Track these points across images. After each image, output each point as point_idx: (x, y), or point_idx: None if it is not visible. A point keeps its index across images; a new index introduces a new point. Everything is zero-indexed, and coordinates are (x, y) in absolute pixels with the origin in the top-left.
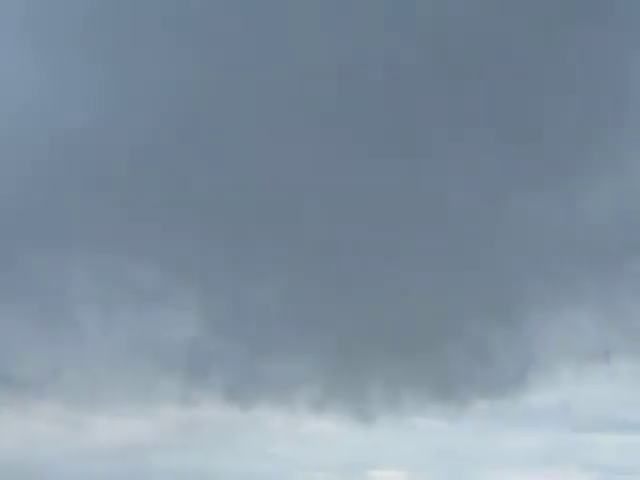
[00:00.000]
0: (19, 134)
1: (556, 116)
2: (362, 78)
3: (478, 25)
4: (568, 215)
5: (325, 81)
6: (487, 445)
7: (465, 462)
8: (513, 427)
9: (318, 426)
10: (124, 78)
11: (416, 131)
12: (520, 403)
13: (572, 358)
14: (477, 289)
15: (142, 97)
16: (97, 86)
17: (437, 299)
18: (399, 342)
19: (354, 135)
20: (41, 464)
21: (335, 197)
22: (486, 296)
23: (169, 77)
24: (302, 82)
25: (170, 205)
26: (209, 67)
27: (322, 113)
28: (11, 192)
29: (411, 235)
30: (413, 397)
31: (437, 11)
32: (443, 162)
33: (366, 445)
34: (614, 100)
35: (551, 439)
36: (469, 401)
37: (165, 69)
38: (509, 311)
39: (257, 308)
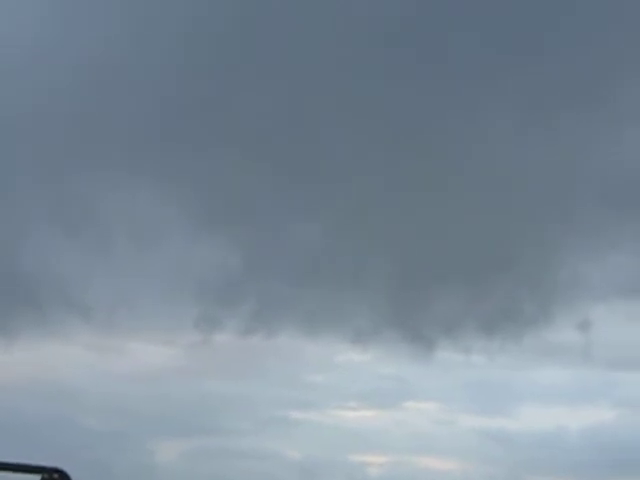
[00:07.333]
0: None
1: None
2: None
3: None
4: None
5: None
6: (519, 380)
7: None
8: (544, 363)
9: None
10: None
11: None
12: (550, 339)
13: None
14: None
15: None
16: None
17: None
18: (447, 280)
19: None
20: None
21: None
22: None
23: None
24: None
25: (218, 134)
26: None
27: None
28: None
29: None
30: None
31: None
32: None
33: (402, 377)
34: None
35: (580, 375)
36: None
37: None
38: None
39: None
